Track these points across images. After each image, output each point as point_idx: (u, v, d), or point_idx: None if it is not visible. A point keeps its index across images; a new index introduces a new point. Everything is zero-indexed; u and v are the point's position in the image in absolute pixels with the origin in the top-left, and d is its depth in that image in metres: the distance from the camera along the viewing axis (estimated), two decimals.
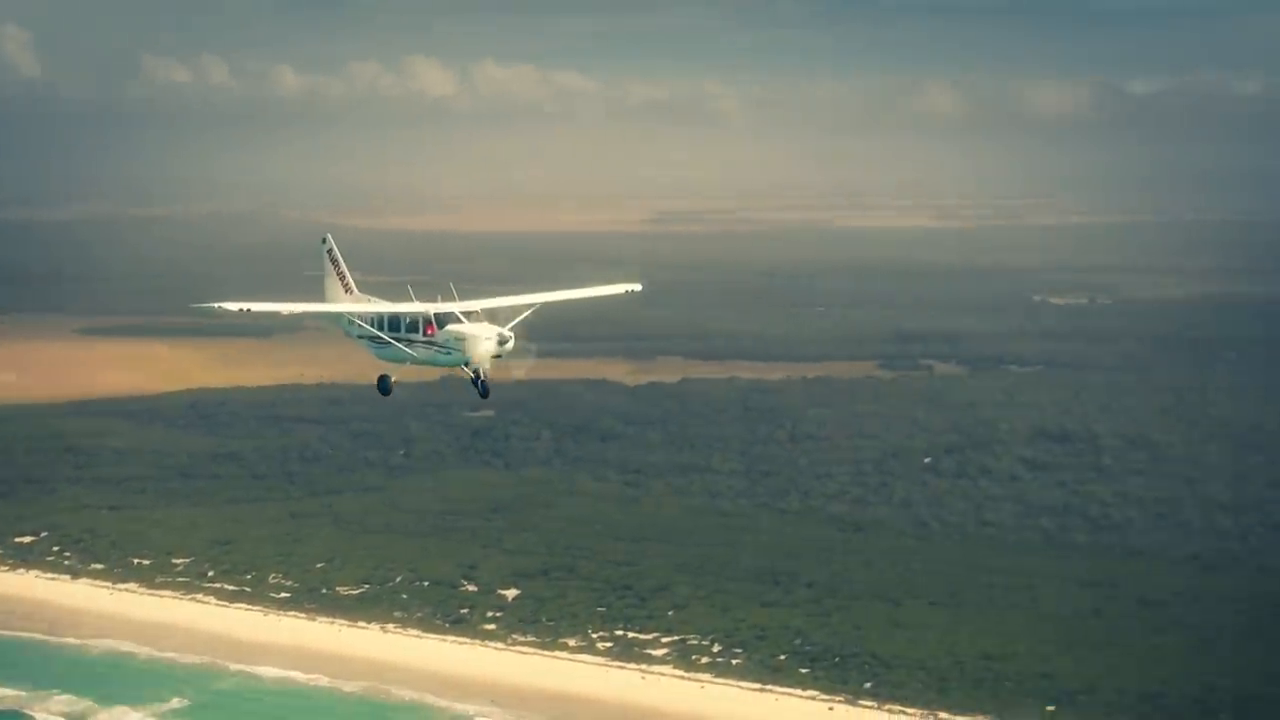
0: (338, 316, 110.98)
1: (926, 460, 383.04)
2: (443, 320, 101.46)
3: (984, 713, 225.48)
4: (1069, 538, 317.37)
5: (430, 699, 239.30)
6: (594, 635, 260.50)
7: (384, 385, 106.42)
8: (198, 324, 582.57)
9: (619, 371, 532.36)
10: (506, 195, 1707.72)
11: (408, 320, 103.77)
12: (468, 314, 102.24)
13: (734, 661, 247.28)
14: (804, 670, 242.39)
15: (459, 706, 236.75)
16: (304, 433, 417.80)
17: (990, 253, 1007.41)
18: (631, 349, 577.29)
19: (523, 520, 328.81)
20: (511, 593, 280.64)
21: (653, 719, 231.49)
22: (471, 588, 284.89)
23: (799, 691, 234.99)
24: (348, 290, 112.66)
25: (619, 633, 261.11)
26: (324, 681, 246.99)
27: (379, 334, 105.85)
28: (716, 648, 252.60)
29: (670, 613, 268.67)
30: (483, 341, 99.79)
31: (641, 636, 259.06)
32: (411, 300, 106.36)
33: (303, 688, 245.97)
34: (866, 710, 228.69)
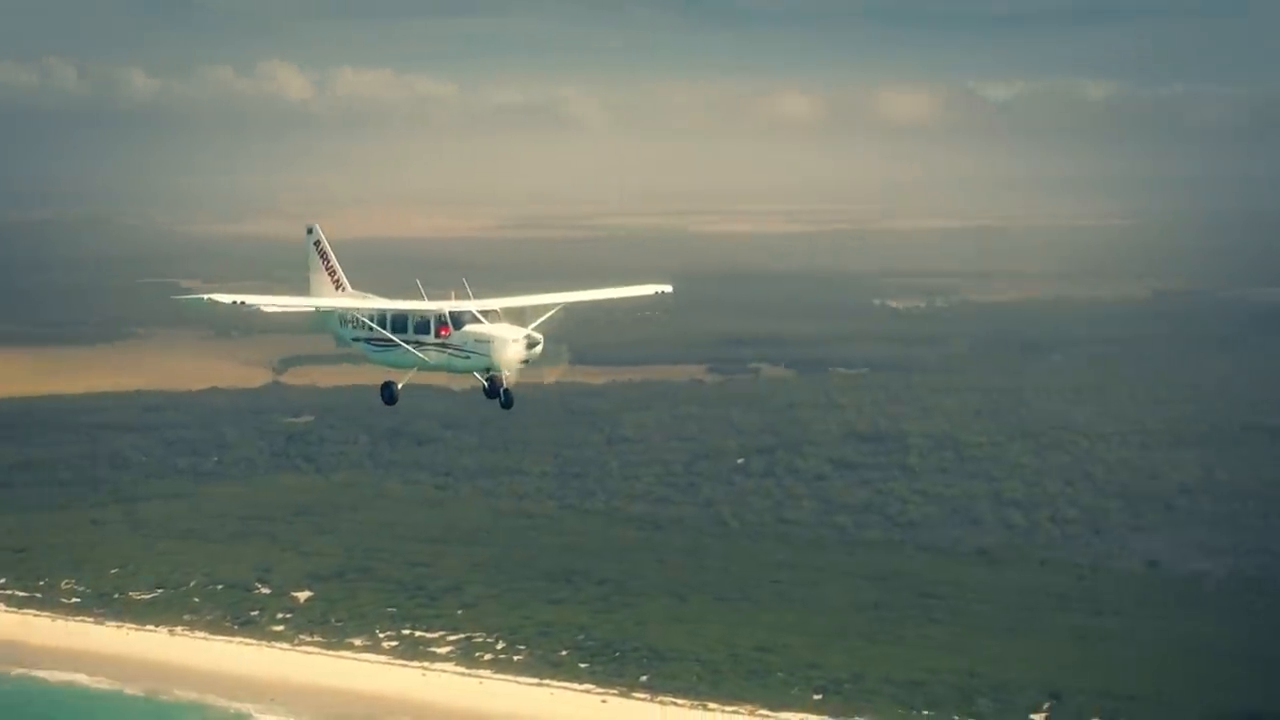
0: (328, 316, 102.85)
1: (739, 461, 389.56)
2: (459, 320, 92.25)
3: (752, 702, 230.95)
4: (863, 534, 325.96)
5: (212, 699, 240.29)
6: (380, 635, 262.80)
7: (389, 394, 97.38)
8: (17, 333, 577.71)
9: (444, 376, 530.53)
10: (360, 200, 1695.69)
11: (417, 320, 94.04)
12: (485, 314, 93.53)
13: (516, 658, 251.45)
14: (583, 665, 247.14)
15: (240, 705, 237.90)
16: (115, 440, 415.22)
17: (837, 257, 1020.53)
18: None
19: (325, 524, 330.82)
20: (304, 594, 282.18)
21: (429, 714, 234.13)
22: (265, 590, 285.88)
23: (575, 685, 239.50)
24: (339, 287, 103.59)
25: (405, 632, 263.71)
26: (106, 684, 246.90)
27: (382, 335, 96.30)
28: (500, 645, 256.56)
29: (459, 612, 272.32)
30: (510, 344, 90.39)
31: (428, 635, 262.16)
32: (422, 298, 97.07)
33: (86, 689, 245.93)
34: (639, 702, 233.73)
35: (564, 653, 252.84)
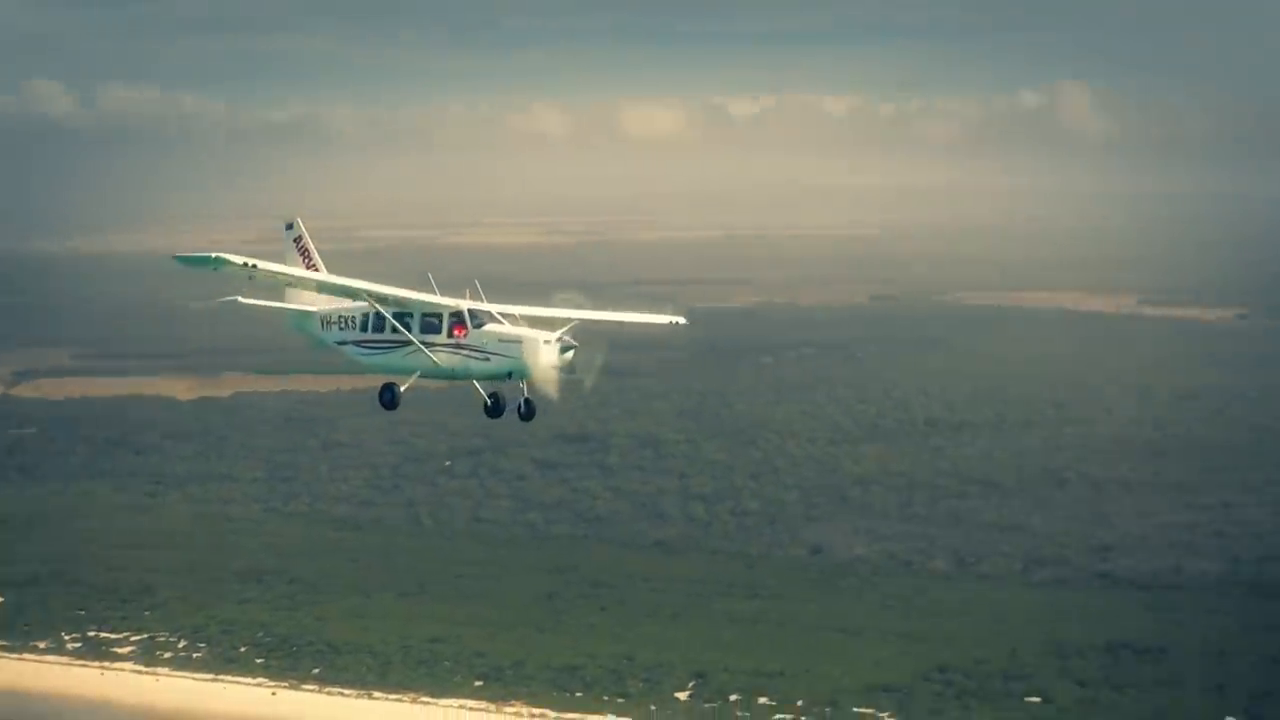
0: (304, 318, 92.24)
1: (446, 464, 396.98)
2: (479, 319, 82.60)
3: (416, 690, 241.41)
4: (551, 529, 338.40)
5: None
6: (65, 637, 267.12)
7: (390, 396, 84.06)
8: None
9: (177, 387, 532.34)
10: (122, 217, 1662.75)
11: (426, 317, 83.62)
12: (505, 318, 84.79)
13: (195, 655, 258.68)
14: (259, 660, 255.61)
15: None
16: None
17: (585, 267, 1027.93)
18: (195, 364, 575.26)
19: (27, 532, 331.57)
20: None
21: (102, 711, 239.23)
22: None
23: (248, 679, 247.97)
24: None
25: (90, 633, 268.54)
26: None
27: (374, 337, 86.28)
28: (182, 643, 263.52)
29: (146, 613, 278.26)
30: (543, 347, 80.00)
31: (112, 636, 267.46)
32: (435, 293, 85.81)
33: None
34: (308, 693, 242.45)
35: (242, 649, 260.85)
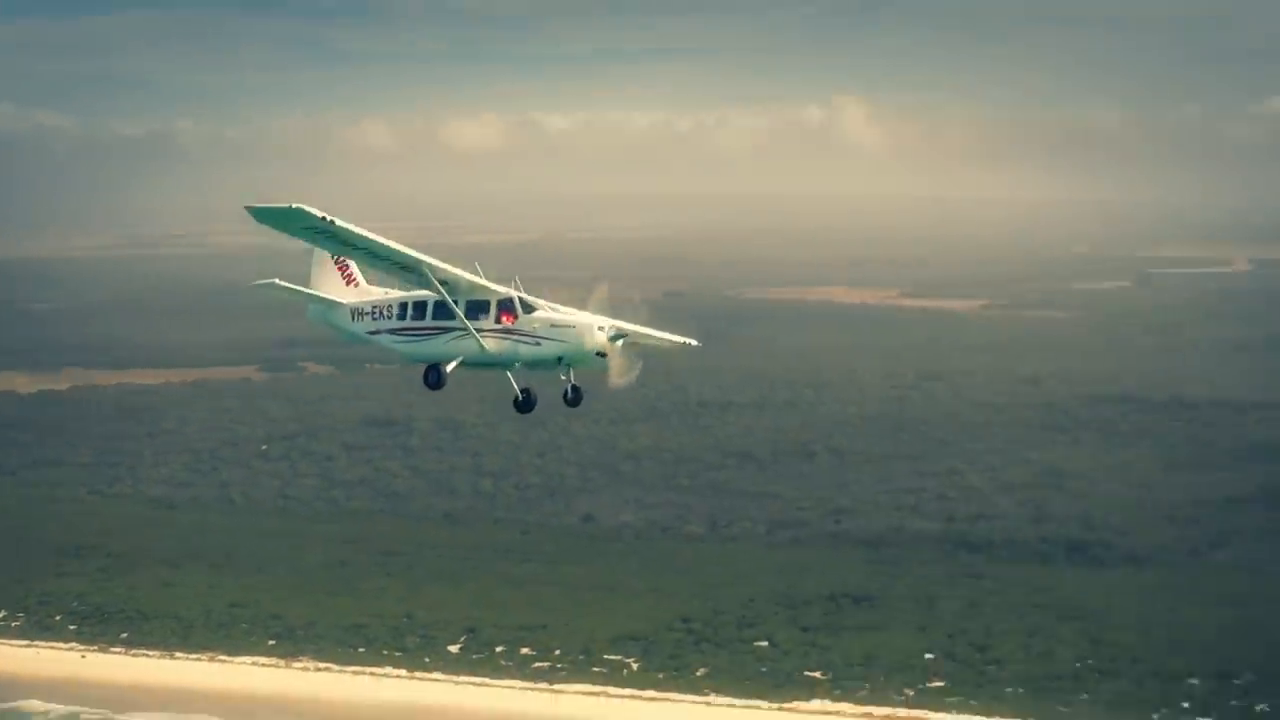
0: (330, 311, 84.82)
1: (263, 448, 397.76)
2: (530, 305, 76.77)
3: (214, 650, 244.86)
4: (350, 505, 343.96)
5: None
6: None
7: (436, 377, 76.40)
8: None
9: (18, 381, 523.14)
10: None
11: (472, 302, 76.53)
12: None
13: (14, 624, 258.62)
14: (72, 627, 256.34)
15: None
16: None
17: None
18: (38, 361, 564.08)
19: None
20: None
21: None
22: None
23: (60, 644, 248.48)
24: (351, 283, 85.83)
25: None
26: None
27: (418, 323, 79.54)
28: (2, 613, 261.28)
29: None
30: (595, 331, 74.57)
31: None
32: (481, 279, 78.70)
33: None
34: (115, 655, 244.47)
35: (58, 617, 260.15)
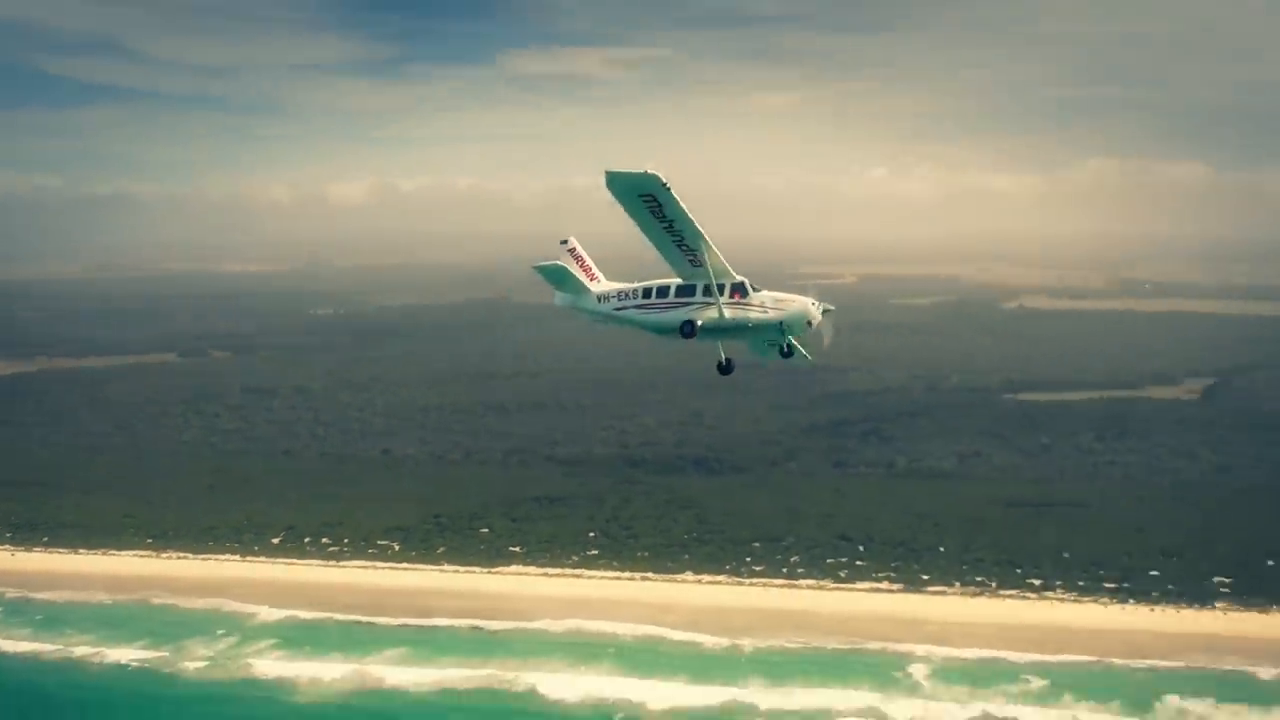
0: (578, 298, 78.03)
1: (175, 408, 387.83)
2: (754, 288, 72.69)
3: (109, 547, 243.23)
4: (226, 447, 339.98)
5: None
6: None
7: (690, 328, 71.29)
8: None
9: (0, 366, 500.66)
10: None
11: (712, 285, 71.12)
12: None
13: None
14: (9, 534, 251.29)
15: None
16: None
17: (302, 280, 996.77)
18: (17, 353, 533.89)
19: None
20: None
21: None
22: None
23: None
24: (592, 278, 79.87)
25: None
26: None
27: (662, 299, 73.88)
28: None
29: None
30: (811, 307, 72.05)
31: None
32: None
33: None
34: (36, 553, 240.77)
35: None
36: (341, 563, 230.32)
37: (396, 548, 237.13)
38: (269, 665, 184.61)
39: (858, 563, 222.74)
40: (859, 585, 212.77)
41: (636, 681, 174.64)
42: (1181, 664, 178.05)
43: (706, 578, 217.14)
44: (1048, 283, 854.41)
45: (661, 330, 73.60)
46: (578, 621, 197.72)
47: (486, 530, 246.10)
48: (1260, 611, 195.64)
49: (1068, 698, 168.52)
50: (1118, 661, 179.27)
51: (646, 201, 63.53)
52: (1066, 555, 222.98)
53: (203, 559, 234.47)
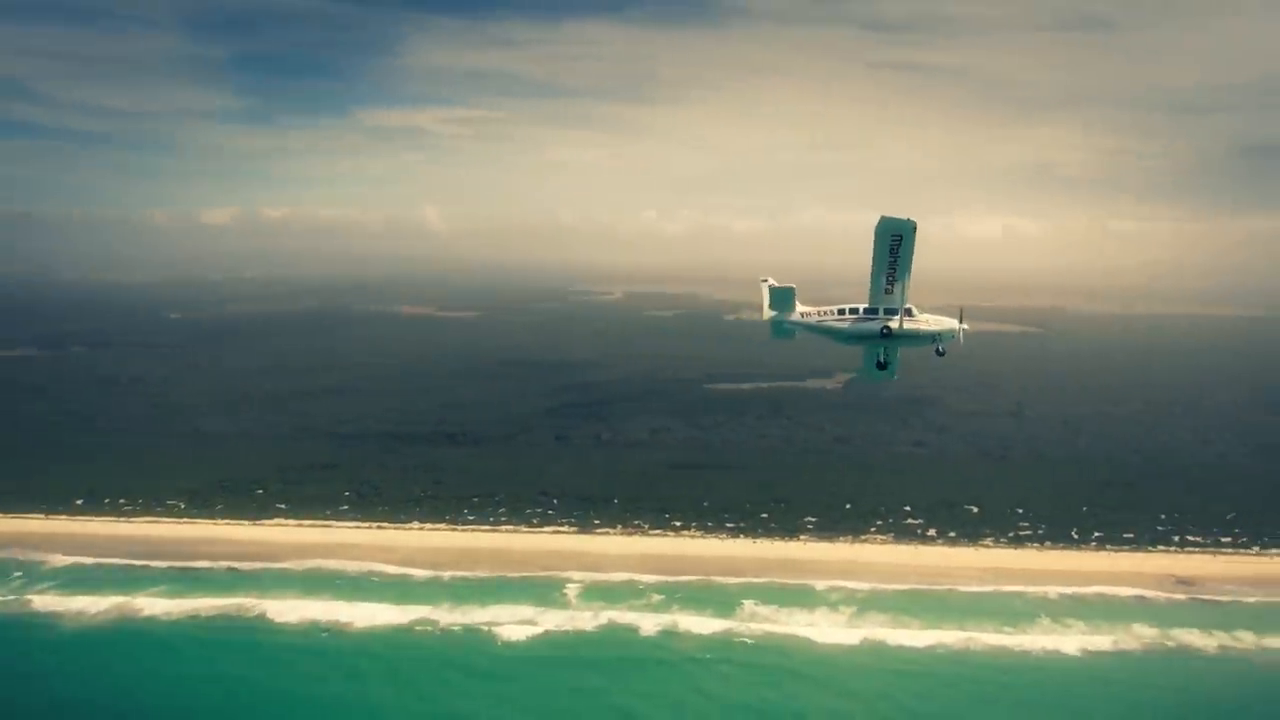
0: (780, 323, 78.95)
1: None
2: (915, 311, 74.96)
3: None
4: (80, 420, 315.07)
5: None
6: None
7: (886, 330, 74.59)
8: None
9: None
10: None
11: (889, 310, 73.61)
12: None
13: None
14: None
15: None
16: None
17: (185, 290, 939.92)
18: None
19: None
20: None
21: None
22: None
23: None
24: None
25: None
26: None
27: (854, 316, 75.69)
28: None
29: None
30: (955, 325, 75.86)
31: None
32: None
33: None
34: None
35: None
36: (131, 519, 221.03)
37: (182, 505, 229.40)
38: (46, 600, 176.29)
39: (549, 511, 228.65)
40: (546, 529, 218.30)
41: (348, 606, 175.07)
42: (765, 580, 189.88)
43: (429, 525, 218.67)
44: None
45: (857, 335, 76.05)
46: (317, 561, 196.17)
47: (261, 491, 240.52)
48: (828, 540, 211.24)
49: (675, 607, 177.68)
50: (718, 579, 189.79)
51: (894, 240, 66.61)
52: (706, 504, 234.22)
53: (11, 517, 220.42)
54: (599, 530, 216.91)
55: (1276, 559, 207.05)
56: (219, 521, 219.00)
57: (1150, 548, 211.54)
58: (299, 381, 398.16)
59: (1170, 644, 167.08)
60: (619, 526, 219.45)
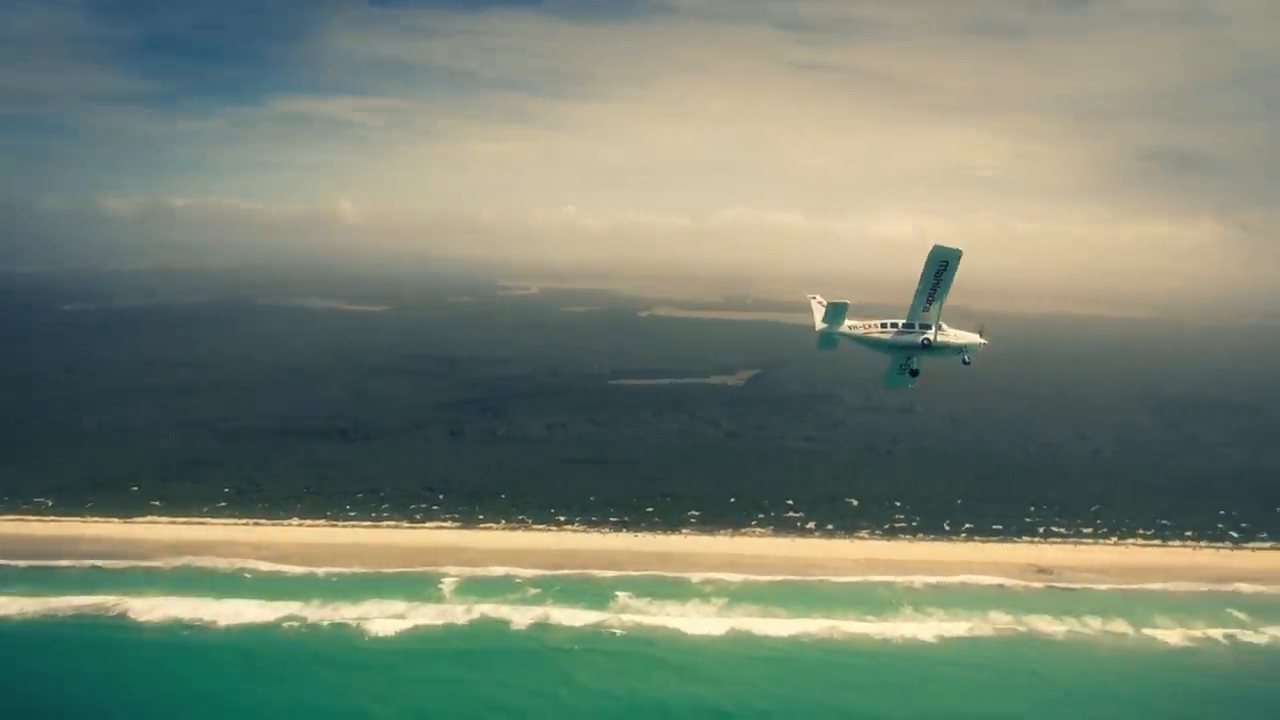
0: (830, 336, 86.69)
1: None
2: (944, 328, 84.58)
3: None
4: None
5: None
6: None
7: (927, 343, 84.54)
8: None
9: None
10: None
11: (923, 324, 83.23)
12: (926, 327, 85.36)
13: None
14: None
15: None
16: None
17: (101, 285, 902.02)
18: None
19: None
20: None
21: None
22: None
23: None
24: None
25: None
26: None
27: (894, 330, 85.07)
28: None
29: None
30: (978, 338, 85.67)
31: None
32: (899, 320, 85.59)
33: None
34: None
35: None
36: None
37: (49, 503, 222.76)
38: None
39: (433, 507, 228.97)
40: (428, 524, 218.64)
41: (215, 603, 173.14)
42: (642, 573, 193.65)
43: (309, 522, 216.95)
44: (679, 297, 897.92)
45: (899, 346, 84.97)
46: (188, 559, 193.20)
47: (135, 488, 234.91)
48: (709, 534, 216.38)
49: (550, 601, 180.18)
50: (595, 573, 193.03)
51: (941, 265, 75.72)
52: (592, 499, 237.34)
53: None
54: (482, 525, 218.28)
55: (1131, 548, 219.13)
56: (88, 519, 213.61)
57: (1016, 539, 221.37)
58: (188, 376, 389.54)
59: (1022, 629, 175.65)
60: (503, 521, 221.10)
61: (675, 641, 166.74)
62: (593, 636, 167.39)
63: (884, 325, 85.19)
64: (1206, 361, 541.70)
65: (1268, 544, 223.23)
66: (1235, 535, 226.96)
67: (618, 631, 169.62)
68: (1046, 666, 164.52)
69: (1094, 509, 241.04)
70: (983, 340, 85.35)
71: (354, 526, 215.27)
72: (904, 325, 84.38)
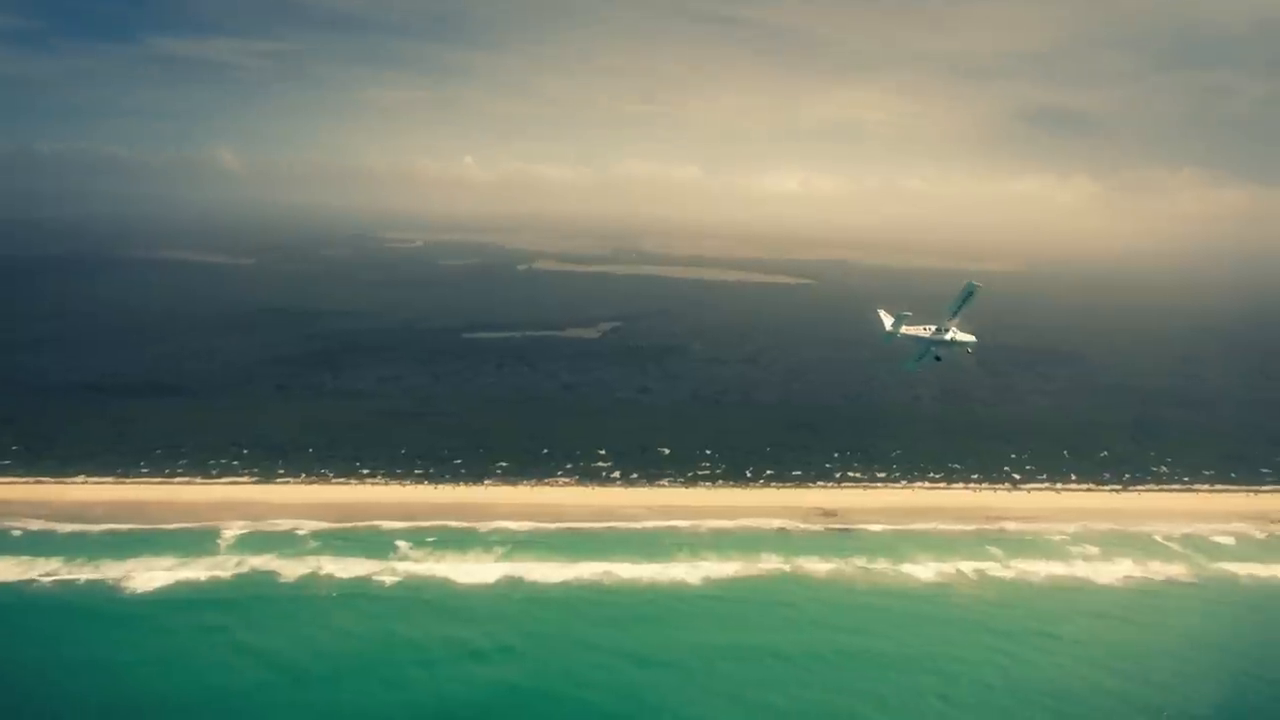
0: (892, 335, 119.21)
1: None
2: (954, 331, 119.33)
3: None
4: None
5: None
6: None
7: (950, 340, 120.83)
8: None
9: None
10: None
11: (947, 329, 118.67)
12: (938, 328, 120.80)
13: None
14: None
15: None
16: None
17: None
18: None
19: None
20: None
21: None
22: None
23: None
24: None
25: None
26: None
27: (930, 339, 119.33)
28: None
29: None
30: (971, 337, 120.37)
31: None
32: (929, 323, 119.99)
33: None
34: None
35: None
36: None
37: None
38: None
39: (234, 462, 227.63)
40: (224, 479, 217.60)
41: None
42: (432, 523, 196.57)
43: (95, 479, 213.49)
44: (562, 250, 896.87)
45: (935, 343, 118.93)
46: None
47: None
48: (511, 485, 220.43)
49: (328, 554, 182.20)
50: (385, 524, 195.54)
51: (968, 293, 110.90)
52: (403, 451, 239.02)
53: None
54: (280, 480, 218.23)
55: (917, 490, 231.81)
56: None
57: (811, 484, 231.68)
58: (16, 331, 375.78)
59: (787, 569, 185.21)
60: (303, 475, 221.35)
61: (443, 588, 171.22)
62: (360, 585, 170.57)
63: (926, 328, 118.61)
64: (1047, 313, 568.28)
65: (1044, 485, 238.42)
66: (1017, 477, 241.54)
67: (387, 580, 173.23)
68: (805, 601, 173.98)
69: (895, 454, 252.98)
70: (974, 339, 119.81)
71: (143, 483, 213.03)
72: (937, 329, 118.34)
